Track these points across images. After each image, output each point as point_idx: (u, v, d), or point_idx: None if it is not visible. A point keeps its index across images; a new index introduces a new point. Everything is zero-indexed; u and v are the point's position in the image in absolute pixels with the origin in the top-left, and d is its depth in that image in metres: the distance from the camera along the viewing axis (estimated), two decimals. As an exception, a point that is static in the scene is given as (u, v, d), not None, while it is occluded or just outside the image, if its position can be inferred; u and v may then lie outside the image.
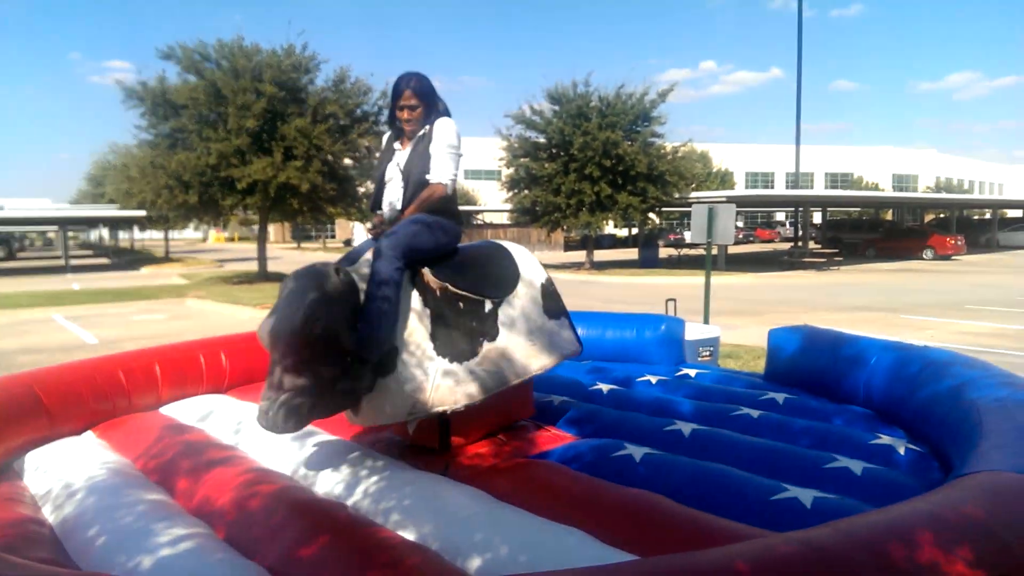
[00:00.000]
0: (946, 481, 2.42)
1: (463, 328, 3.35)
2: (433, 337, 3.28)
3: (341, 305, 2.99)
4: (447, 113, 3.62)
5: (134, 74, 26.43)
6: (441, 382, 3.23)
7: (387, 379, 3.18)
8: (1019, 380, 3.41)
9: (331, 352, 2.97)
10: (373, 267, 3.18)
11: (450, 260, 3.52)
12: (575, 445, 3.48)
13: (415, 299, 3.31)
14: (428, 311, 3.31)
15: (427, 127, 3.54)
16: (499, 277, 3.62)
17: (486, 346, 3.39)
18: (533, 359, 3.55)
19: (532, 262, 3.87)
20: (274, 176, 17.32)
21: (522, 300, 3.63)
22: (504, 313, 3.53)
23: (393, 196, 3.60)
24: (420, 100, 3.49)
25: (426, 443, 3.57)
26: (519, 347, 3.50)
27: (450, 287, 3.37)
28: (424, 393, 3.20)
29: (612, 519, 2.62)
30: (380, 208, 3.68)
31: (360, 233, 51.10)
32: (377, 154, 24.12)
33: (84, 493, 3.22)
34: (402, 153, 3.61)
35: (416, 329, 3.26)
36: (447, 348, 3.28)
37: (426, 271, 3.37)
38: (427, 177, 3.46)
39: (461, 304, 3.38)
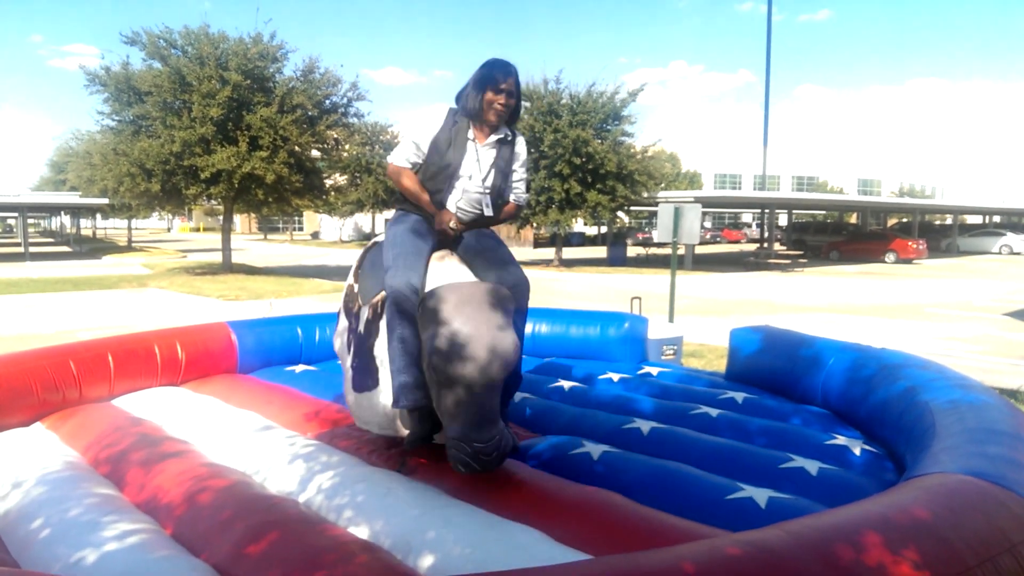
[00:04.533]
0: (899, 482, 2.44)
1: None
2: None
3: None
4: None
5: (98, 59, 25.80)
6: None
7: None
8: (973, 383, 3.47)
9: None
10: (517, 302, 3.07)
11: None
12: (533, 442, 3.46)
13: None
14: None
15: (509, 133, 3.41)
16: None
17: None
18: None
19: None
20: (239, 166, 17.03)
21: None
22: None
23: (472, 194, 3.33)
24: (518, 94, 3.34)
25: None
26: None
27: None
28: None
29: (567, 517, 2.60)
30: (444, 199, 3.32)
31: (328, 226, 50.43)
32: (346, 147, 23.68)
33: (30, 485, 3.12)
34: (484, 150, 3.34)
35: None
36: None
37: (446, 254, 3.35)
38: (512, 197, 3.50)
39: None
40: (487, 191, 3.34)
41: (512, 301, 2.84)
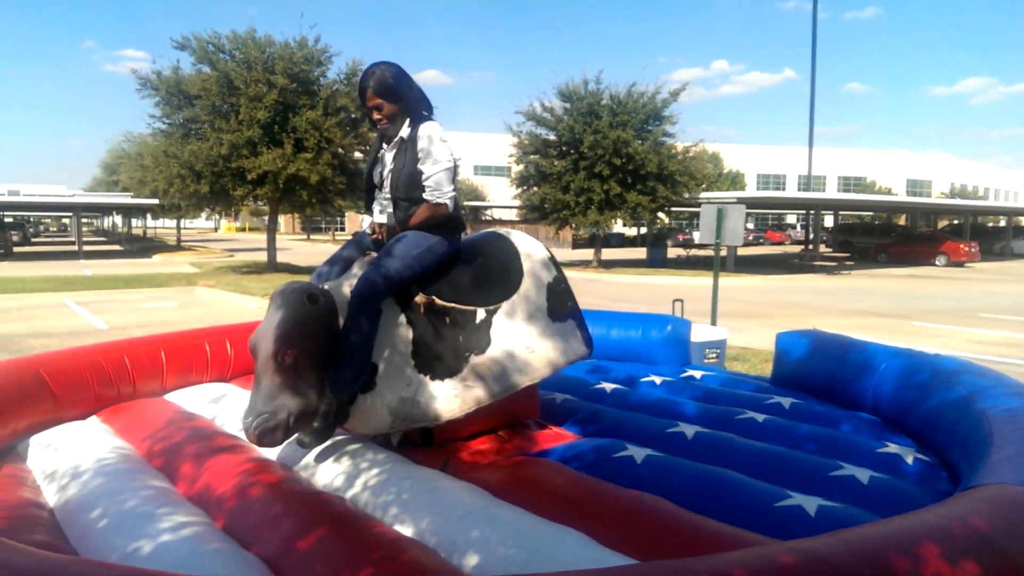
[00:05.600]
0: (954, 493, 2.38)
1: (448, 343, 3.26)
2: (415, 355, 3.24)
3: (317, 333, 3.02)
4: (427, 107, 3.37)
5: (149, 64, 26.52)
6: (420, 399, 3.21)
7: (366, 396, 3.21)
8: (1030, 391, 3.35)
9: (304, 378, 2.99)
10: (353, 293, 3.12)
11: (447, 269, 3.38)
12: (576, 444, 3.46)
13: (398, 316, 3.28)
14: (411, 329, 3.26)
15: (409, 130, 3.31)
16: (497, 280, 3.42)
17: (474, 360, 3.26)
18: (531, 368, 3.35)
19: (538, 258, 3.62)
20: (284, 167, 17.34)
21: (524, 304, 3.41)
22: (500, 320, 3.35)
23: (385, 203, 3.43)
24: (386, 99, 3.24)
25: (457, 436, 3.59)
26: (515, 357, 3.31)
27: (436, 300, 3.28)
28: (402, 411, 3.20)
29: (610, 520, 2.59)
30: (372, 211, 3.53)
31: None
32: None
33: (87, 477, 3.22)
34: (388, 156, 3.39)
35: (397, 347, 3.24)
36: (429, 365, 3.24)
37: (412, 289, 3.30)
38: (425, 197, 3.27)
39: (447, 318, 3.28)
40: (387, 197, 3.39)
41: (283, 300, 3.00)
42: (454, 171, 3.34)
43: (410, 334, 3.26)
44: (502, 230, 3.75)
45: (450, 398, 3.23)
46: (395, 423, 3.24)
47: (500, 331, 3.34)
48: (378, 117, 3.29)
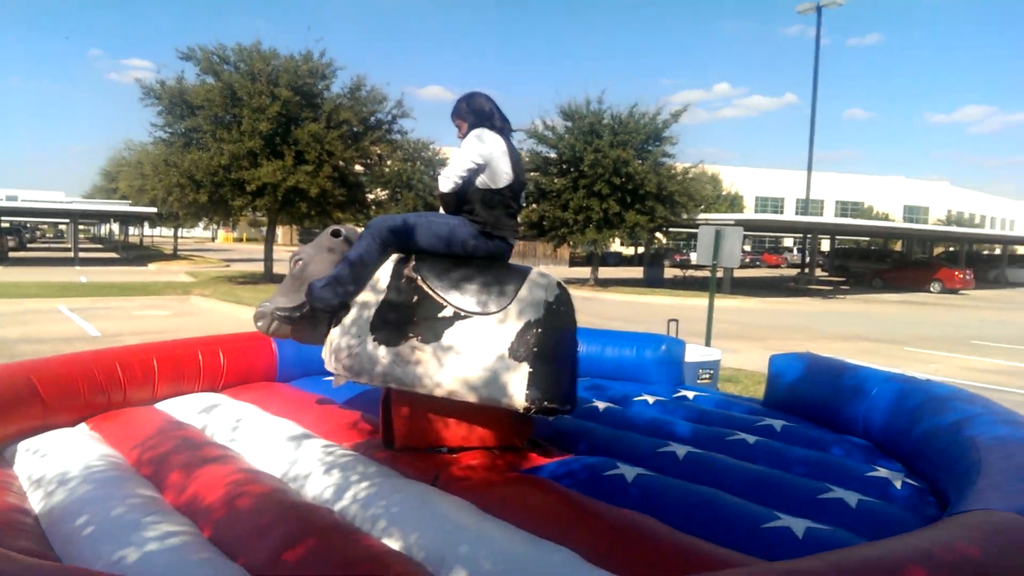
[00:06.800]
0: (942, 518, 2.38)
1: (402, 318, 3.45)
2: (377, 314, 3.49)
3: (328, 256, 3.78)
4: (490, 125, 3.73)
5: (153, 73, 26.74)
6: (353, 349, 3.46)
7: (332, 328, 3.62)
8: (1020, 418, 3.37)
9: (305, 285, 3.70)
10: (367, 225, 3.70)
11: (457, 262, 3.58)
12: (567, 462, 3.45)
13: (383, 277, 3.59)
14: (388, 292, 3.54)
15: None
16: (489, 297, 3.45)
17: (413, 344, 3.37)
18: (455, 384, 3.31)
19: (539, 298, 3.46)
20: (284, 179, 17.37)
21: (490, 327, 3.36)
22: (460, 327, 3.37)
23: None
24: (459, 120, 3.82)
25: (415, 444, 3.65)
26: (448, 364, 3.32)
27: (418, 280, 3.51)
28: (342, 356, 3.49)
29: (600, 539, 2.59)
30: None
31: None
32: (388, 162, 24.12)
33: (73, 484, 3.21)
34: None
35: (368, 300, 3.55)
36: (379, 328, 3.46)
37: (412, 259, 3.60)
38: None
39: (415, 297, 3.48)
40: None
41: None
42: (468, 164, 3.58)
43: (384, 296, 3.52)
44: (538, 269, 3.69)
45: (375, 367, 3.39)
46: (332, 363, 3.56)
47: (452, 334, 3.36)
48: (459, 134, 3.84)
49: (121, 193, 35.73)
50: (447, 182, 3.60)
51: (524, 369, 3.29)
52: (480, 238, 3.60)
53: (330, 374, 5.42)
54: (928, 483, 3.34)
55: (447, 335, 3.35)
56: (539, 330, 3.36)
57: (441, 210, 3.79)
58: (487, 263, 3.61)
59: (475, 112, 3.77)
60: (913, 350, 11.97)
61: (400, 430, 3.66)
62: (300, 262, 3.82)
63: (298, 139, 17.86)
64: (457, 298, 3.43)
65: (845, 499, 2.98)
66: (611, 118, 22.34)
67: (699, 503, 2.93)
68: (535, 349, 3.32)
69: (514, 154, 3.71)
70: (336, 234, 3.86)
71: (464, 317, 3.39)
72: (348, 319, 3.54)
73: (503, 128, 3.77)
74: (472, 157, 3.55)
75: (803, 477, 3.35)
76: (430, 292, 3.46)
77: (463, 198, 3.63)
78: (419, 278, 3.50)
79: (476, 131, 3.64)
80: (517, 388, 3.27)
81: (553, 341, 3.38)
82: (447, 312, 3.40)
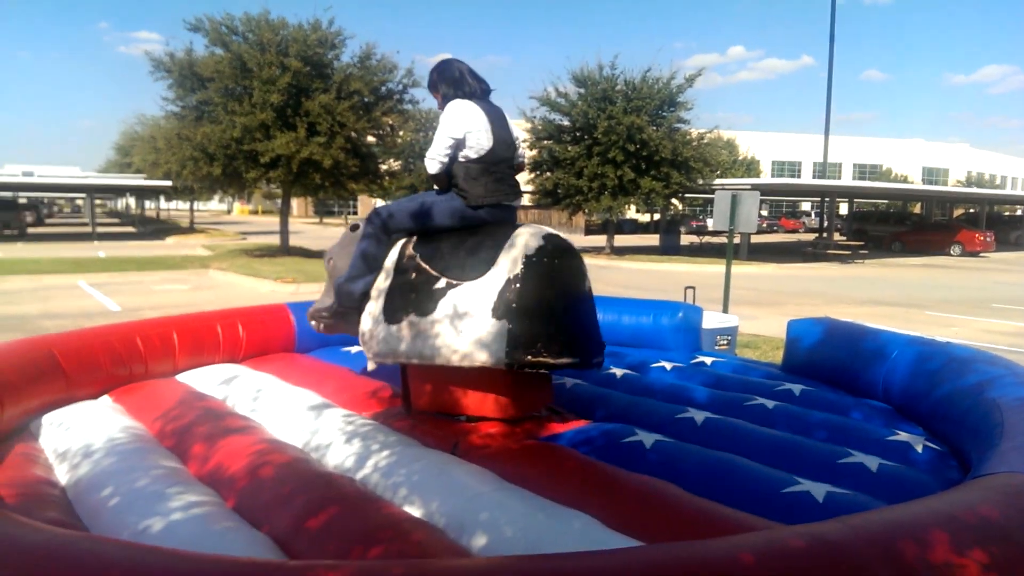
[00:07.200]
0: (964, 481, 2.37)
1: (405, 296, 3.59)
2: (389, 296, 3.65)
3: (349, 256, 3.87)
4: (464, 94, 3.70)
5: (162, 45, 26.66)
6: (377, 334, 3.64)
7: (362, 314, 3.79)
8: (1044, 380, 3.32)
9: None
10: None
11: (450, 234, 3.69)
12: (586, 429, 3.46)
13: (391, 261, 3.76)
14: (393, 272, 3.72)
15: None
16: (478, 260, 3.49)
17: (413, 319, 3.49)
18: (452, 348, 3.37)
19: (517, 255, 3.43)
20: (297, 151, 17.33)
21: (478, 292, 3.40)
22: (453, 294, 3.44)
23: None
24: (434, 92, 3.85)
25: (435, 409, 3.74)
26: (443, 332, 3.40)
27: (417, 258, 3.66)
28: (366, 339, 3.70)
29: (619, 504, 2.60)
30: None
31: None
32: (400, 133, 24.01)
33: (98, 456, 3.26)
34: None
35: (381, 284, 3.73)
36: (388, 308, 3.63)
37: (413, 239, 3.76)
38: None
39: (414, 275, 3.62)
40: None
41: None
42: (449, 140, 3.59)
43: (393, 279, 3.68)
44: (531, 224, 3.69)
45: (399, 346, 3.53)
46: (365, 351, 3.75)
47: (447, 304, 3.43)
48: (439, 107, 3.83)
49: (135, 167, 35.82)
50: (432, 164, 3.65)
51: (503, 327, 3.30)
52: (468, 211, 3.64)
53: (348, 343, 5.48)
54: (949, 446, 3.32)
55: (442, 305, 3.44)
56: (517, 285, 3.35)
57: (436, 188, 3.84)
58: (484, 229, 3.65)
59: (446, 81, 3.77)
60: (933, 314, 11.85)
61: (418, 399, 3.79)
62: (331, 261, 4.06)
63: (309, 110, 17.77)
64: (447, 269, 3.53)
65: (865, 463, 2.97)
66: (624, 84, 22.02)
67: (718, 468, 2.93)
68: (513, 305, 3.31)
69: (493, 114, 3.69)
70: (354, 228, 3.99)
71: (455, 286, 3.46)
72: (370, 307, 3.73)
73: (475, 91, 3.73)
74: (448, 133, 3.57)
75: (823, 442, 3.34)
76: (426, 267, 3.60)
77: (452, 174, 3.67)
78: (417, 256, 3.66)
79: (449, 105, 3.65)
80: (499, 347, 3.28)
81: (535, 294, 3.35)
82: (440, 283, 3.51)
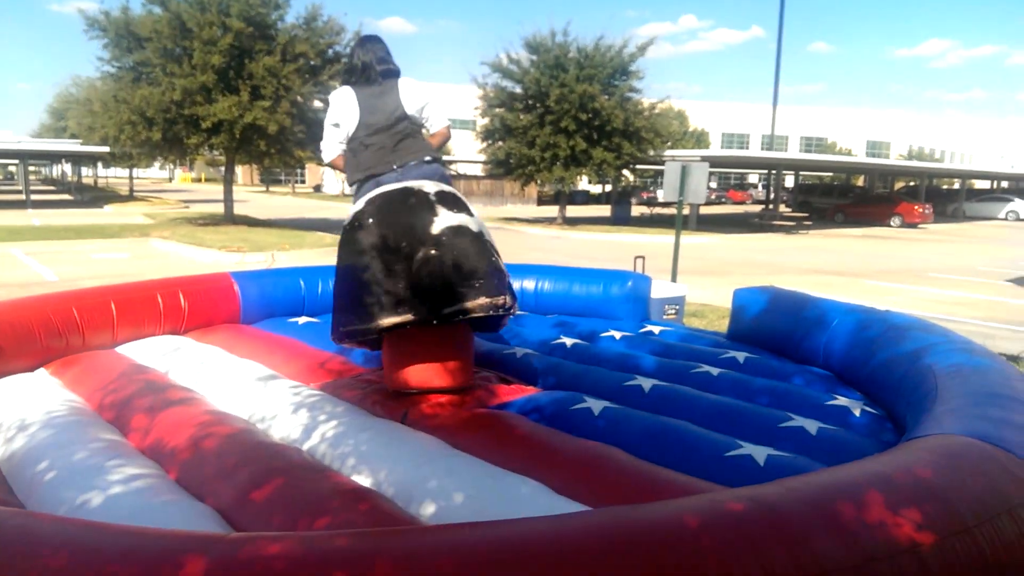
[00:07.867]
0: (899, 443, 2.45)
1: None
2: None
3: None
4: (352, 82, 3.78)
5: (97, 3, 25.49)
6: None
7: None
8: (976, 347, 3.46)
9: None
10: None
11: None
12: (535, 397, 3.48)
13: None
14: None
15: None
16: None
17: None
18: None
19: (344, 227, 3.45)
20: (240, 116, 16.80)
21: None
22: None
23: None
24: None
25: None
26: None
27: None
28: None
29: (567, 470, 2.62)
30: None
31: (330, 180, 50.26)
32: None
33: (34, 429, 3.14)
34: None
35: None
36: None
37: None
38: None
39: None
40: None
41: None
42: (330, 128, 3.77)
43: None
44: (390, 186, 3.49)
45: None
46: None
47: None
48: None
49: (71, 132, 34.28)
50: (323, 154, 3.86)
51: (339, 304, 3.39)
52: (366, 183, 3.65)
53: (294, 315, 5.38)
54: (886, 410, 3.44)
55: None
56: (337, 262, 3.45)
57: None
58: None
59: (344, 72, 4.09)
60: (873, 283, 12.24)
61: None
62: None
63: (253, 73, 17.18)
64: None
65: (805, 427, 3.05)
66: (577, 51, 21.89)
67: (664, 433, 2.98)
68: (338, 282, 3.42)
69: (369, 90, 3.71)
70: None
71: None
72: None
73: (371, 76, 3.74)
74: (328, 123, 3.76)
75: (765, 407, 3.42)
76: None
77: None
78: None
79: (333, 93, 3.81)
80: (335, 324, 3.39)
81: (344, 267, 3.36)
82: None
